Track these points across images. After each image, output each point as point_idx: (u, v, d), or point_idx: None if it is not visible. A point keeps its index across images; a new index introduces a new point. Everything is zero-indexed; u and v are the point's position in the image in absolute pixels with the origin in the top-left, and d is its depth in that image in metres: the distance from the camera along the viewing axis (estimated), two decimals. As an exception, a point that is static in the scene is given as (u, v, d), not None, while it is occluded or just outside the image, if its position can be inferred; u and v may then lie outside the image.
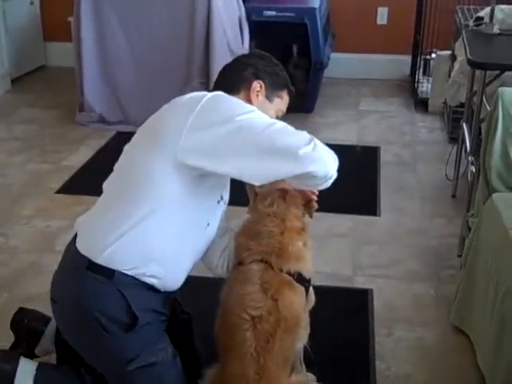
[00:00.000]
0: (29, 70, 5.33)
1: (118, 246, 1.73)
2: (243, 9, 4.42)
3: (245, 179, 1.71)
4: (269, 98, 1.91)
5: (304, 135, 1.68)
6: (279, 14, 4.43)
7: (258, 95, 1.89)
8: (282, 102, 1.96)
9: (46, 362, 2.05)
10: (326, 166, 1.68)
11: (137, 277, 1.77)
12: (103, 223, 1.77)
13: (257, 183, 1.72)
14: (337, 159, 1.73)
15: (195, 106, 1.69)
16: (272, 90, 1.91)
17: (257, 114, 1.70)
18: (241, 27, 4.37)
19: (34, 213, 3.27)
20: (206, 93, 1.76)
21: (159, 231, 1.75)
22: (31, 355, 2.02)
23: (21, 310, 2.13)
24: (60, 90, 4.99)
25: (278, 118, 1.93)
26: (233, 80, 1.90)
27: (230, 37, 4.19)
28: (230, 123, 1.65)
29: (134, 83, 4.24)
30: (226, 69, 1.96)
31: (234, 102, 1.75)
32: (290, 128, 1.69)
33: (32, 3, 5.31)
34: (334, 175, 1.72)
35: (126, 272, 1.75)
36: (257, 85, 1.88)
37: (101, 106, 4.31)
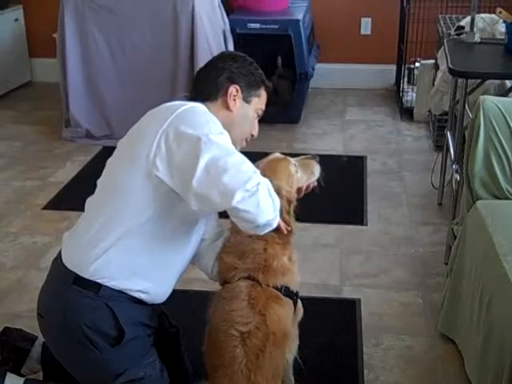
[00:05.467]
0: (15, 86, 5.33)
1: (102, 260, 1.73)
2: (227, 21, 4.45)
3: (187, 200, 1.67)
4: (246, 99, 1.89)
5: (252, 177, 1.61)
6: (263, 26, 4.46)
7: (235, 100, 1.86)
8: (260, 100, 1.93)
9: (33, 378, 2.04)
10: (257, 213, 1.61)
11: (124, 291, 1.77)
12: (87, 238, 1.77)
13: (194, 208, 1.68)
14: (277, 209, 1.68)
15: (170, 115, 1.70)
16: (249, 91, 1.89)
17: (222, 139, 1.67)
18: (225, 40, 4.39)
19: (21, 230, 3.26)
20: (184, 103, 1.76)
21: (142, 246, 1.75)
22: (17, 375, 2.00)
23: (6, 329, 2.12)
24: (46, 105, 4.99)
25: (258, 116, 1.93)
26: (209, 87, 1.87)
27: (215, 50, 4.19)
28: (195, 140, 1.63)
29: (119, 98, 4.24)
30: (201, 75, 1.93)
31: (206, 120, 1.72)
32: (245, 165, 1.64)
33: (17, 20, 5.32)
34: (267, 225, 1.66)
35: (112, 286, 1.75)
36: (233, 90, 1.85)
37: (87, 121, 4.31)
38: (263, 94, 1.93)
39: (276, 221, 1.70)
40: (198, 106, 1.78)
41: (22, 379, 1.93)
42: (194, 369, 2.04)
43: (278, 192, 1.82)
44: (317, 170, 1.95)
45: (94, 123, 4.32)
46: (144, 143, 1.69)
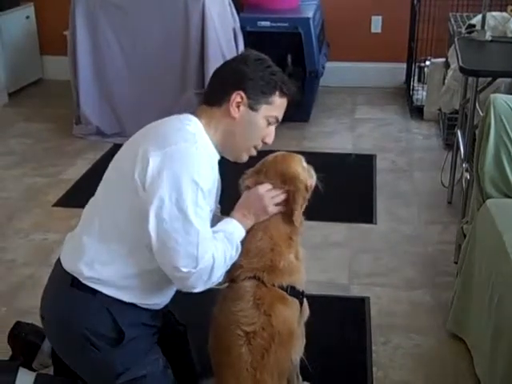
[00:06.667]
0: (26, 83, 5.35)
1: (94, 269, 1.74)
2: (238, 20, 4.45)
3: None
4: (253, 107, 1.76)
5: (198, 266, 1.65)
6: (273, 24, 4.46)
7: (238, 106, 1.76)
8: (272, 107, 1.79)
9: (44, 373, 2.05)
10: (184, 285, 1.71)
11: (118, 299, 1.77)
12: (82, 244, 1.76)
13: None
14: (212, 283, 1.73)
15: (162, 147, 1.66)
16: (257, 98, 1.76)
17: (194, 211, 1.64)
18: (235, 38, 4.39)
19: (32, 226, 3.28)
20: (184, 133, 1.71)
21: (141, 263, 1.74)
22: (28, 369, 2.02)
23: (18, 323, 2.14)
24: (57, 103, 5.01)
25: (270, 123, 1.81)
26: (216, 91, 1.80)
27: (225, 48, 4.21)
28: (167, 198, 1.63)
29: (129, 95, 4.26)
30: (214, 76, 1.86)
31: (192, 179, 1.64)
32: (192, 248, 1.65)
33: (28, 17, 5.34)
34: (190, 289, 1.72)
35: (107, 293, 1.75)
36: (236, 96, 1.75)
37: (97, 118, 4.33)
38: (277, 100, 1.79)
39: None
40: (194, 144, 1.69)
41: (34, 374, 1.95)
42: (202, 366, 2.05)
43: (297, 175, 1.84)
44: (314, 173, 1.94)
45: (105, 120, 4.34)
46: (130, 161, 1.69)
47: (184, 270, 1.64)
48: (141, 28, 4.17)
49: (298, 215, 1.85)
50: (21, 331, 2.10)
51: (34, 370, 2.03)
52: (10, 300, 2.68)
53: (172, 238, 1.63)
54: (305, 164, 1.92)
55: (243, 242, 1.82)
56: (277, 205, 1.83)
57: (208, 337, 1.87)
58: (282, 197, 1.83)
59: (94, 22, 4.18)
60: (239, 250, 1.78)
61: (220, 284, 1.84)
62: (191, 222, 1.64)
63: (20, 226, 3.29)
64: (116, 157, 1.83)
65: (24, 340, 2.08)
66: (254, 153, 1.86)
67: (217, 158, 1.81)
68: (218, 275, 1.72)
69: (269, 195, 1.82)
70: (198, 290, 1.70)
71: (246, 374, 1.76)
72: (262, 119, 1.79)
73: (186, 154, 1.67)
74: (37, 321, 2.16)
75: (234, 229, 1.78)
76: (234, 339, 1.77)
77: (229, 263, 1.76)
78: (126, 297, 1.77)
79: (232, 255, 1.76)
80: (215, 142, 1.79)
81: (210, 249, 1.68)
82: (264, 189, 1.82)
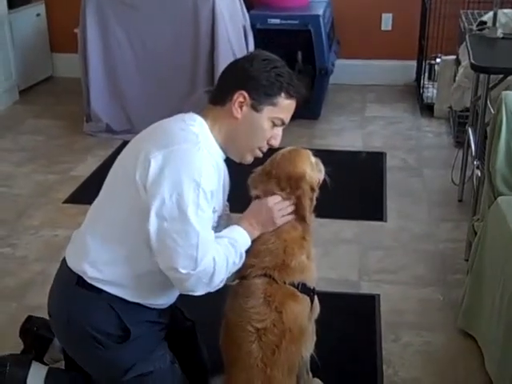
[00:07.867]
0: (36, 81, 5.38)
1: (97, 270, 1.74)
2: (248, 17, 4.46)
3: None
4: (256, 107, 1.73)
5: (199, 266, 1.64)
6: (283, 21, 4.47)
7: (241, 107, 1.73)
8: (277, 109, 1.75)
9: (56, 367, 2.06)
10: (183, 287, 1.70)
11: (123, 298, 1.77)
12: (86, 244, 1.76)
13: None
14: (213, 288, 1.71)
15: (165, 146, 1.66)
16: (260, 98, 1.73)
17: (195, 215, 1.63)
18: (245, 35, 4.39)
19: (42, 223, 3.29)
20: (189, 134, 1.70)
21: (143, 264, 1.73)
22: (40, 363, 2.03)
23: (29, 318, 2.15)
24: (67, 100, 5.03)
25: (275, 125, 1.78)
26: (222, 90, 1.78)
27: (235, 45, 4.21)
28: (168, 199, 1.62)
29: (139, 92, 4.27)
30: (221, 75, 1.84)
31: (195, 181, 1.63)
32: (192, 250, 1.63)
33: (38, 15, 5.36)
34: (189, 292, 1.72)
35: (111, 292, 1.75)
36: (239, 96, 1.72)
37: (107, 115, 4.34)
38: (282, 102, 1.75)
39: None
40: (196, 144, 1.68)
41: (46, 368, 1.96)
42: (212, 363, 2.05)
43: (303, 176, 1.84)
44: (322, 167, 1.94)
45: (115, 118, 4.35)
46: (133, 162, 1.69)
47: (183, 271, 1.63)
48: (151, 26, 4.17)
49: (309, 217, 1.86)
50: (32, 325, 2.11)
51: (45, 364, 2.04)
52: (21, 296, 2.70)
53: (171, 238, 1.62)
54: (313, 159, 1.92)
55: (255, 244, 1.82)
56: (285, 215, 1.83)
57: (218, 334, 1.88)
58: (290, 209, 1.84)
59: (104, 19, 4.19)
60: (243, 258, 1.77)
61: (231, 281, 1.84)
62: (191, 223, 1.62)
63: (30, 222, 3.31)
64: (121, 155, 1.83)
65: (35, 334, 2.09)
66: (259, 154, 1.83)
67: (222, 158, 1.80)
68: (220, 280, 1.70)
69: (278, 207, 1.82)
70: (198, 293, 1.70)
71: (256, 370, 1.77)
72: (266, 120, 1.76)
73: (187, 155, 1.66)
74: (47, 317, 2.18)
75: (239, 236, 1.77)
76: (245, 335, 1.77)
77: (231, 269, 1.75)
78: (130, 296, 1.77)
79: (235, 261, 1.74)
80: (220, 141, 1.78)
81: (211, 251, 1.66)
82: (274, 201, 1.82)
